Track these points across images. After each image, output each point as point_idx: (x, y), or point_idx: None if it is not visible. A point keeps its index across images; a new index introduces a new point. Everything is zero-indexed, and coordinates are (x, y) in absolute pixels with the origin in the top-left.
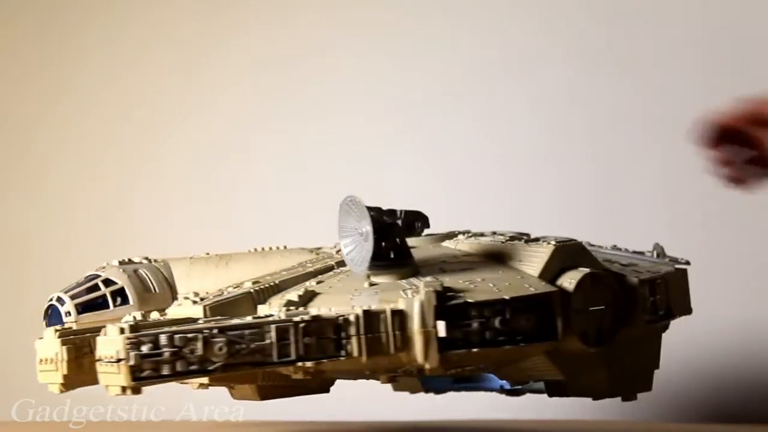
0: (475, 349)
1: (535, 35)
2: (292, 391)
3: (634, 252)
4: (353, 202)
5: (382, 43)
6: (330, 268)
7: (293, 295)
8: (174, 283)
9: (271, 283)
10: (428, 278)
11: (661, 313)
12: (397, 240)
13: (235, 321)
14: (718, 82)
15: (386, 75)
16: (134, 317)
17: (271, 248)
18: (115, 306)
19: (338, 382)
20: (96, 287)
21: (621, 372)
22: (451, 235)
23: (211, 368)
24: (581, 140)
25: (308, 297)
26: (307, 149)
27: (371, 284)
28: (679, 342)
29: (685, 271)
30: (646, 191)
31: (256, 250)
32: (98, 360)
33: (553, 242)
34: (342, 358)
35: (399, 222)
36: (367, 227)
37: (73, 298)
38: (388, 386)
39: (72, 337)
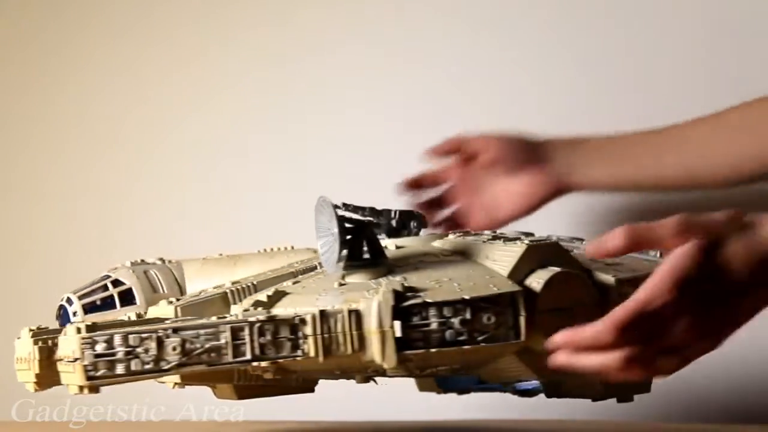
0: (434, 350)
1: (539, 33)
2: (271, 391)
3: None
4: (323, 202)
5: (383, 41)
6: (314, 268)
7: (263, 295)
8: (184, 284)
9: (249, 284)
10: (396, 278)
11: None
12: (368, 240)
13: (191, 321)
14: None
15: (390, 73)
16: (128, 317)
17: (279, 249)
18: (122, 306)
19: (338, 382)
20: (105, 288)
21: None
22: (444, 235)
23: (165, 368)
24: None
25: (277, 297)
26: (320, 147)
27: (341, 284)
28: None
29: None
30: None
31: (265, 250)
32: (59, 360)
33: (527, 241)
34: (299, 358)
35: (394, 223)
36: (335, 228)
37: (81, 298)
38: (392, 385)
39: (45, 336)
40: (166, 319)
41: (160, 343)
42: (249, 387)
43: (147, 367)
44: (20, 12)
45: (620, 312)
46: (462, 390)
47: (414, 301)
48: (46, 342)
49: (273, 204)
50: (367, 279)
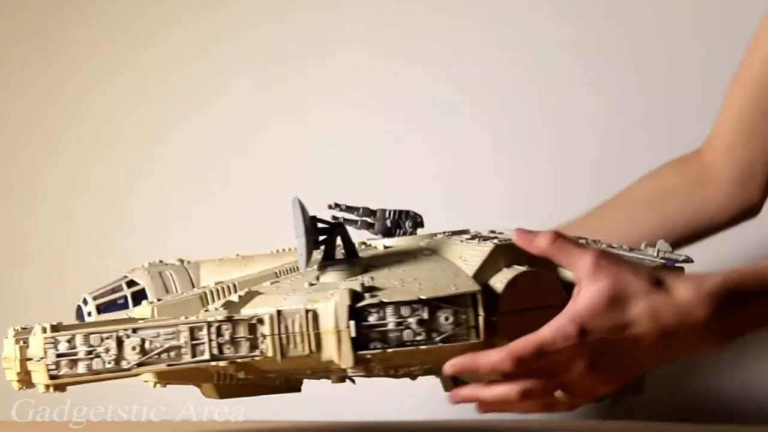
0: (391, 349)
1: (539, 33)
2: (254, 391)
3: (631, 249)
4: (294, 202)
5: (383, 41)
6: (297, 269)
7: (234, 296)
8: (199, 285)
9: (230, 284)
10: (364, 277)
11: None
12: (342, 240)
13: (151, 322)
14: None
15: (390, 73)
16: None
17: (290, 249)
18: (135, 306)
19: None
20: (119, 288)
21: None
22: (434, 234)
23: (126, 367)
24: (583, 140)
25: (249, 298)
26: (320, 147)
27: (311, 284)
28: None
29: (680, 269)
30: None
31: (277, 251)
32: (29, 359)
33: (496, 240)
34: (257, 358)
35: (388, 222)
36: (302, 228)
37: (96, 298)
38: (395, 385)
39: (26, 336)
40: (140, 319)
41: (120, 342)
42: (230, 386)
43: (108, 366)
44: (20, 12)
45: (521, 344)
46: None
47: (370, 300)
48: (27, 342)
49: (273, 204)
50: (341, 279)
